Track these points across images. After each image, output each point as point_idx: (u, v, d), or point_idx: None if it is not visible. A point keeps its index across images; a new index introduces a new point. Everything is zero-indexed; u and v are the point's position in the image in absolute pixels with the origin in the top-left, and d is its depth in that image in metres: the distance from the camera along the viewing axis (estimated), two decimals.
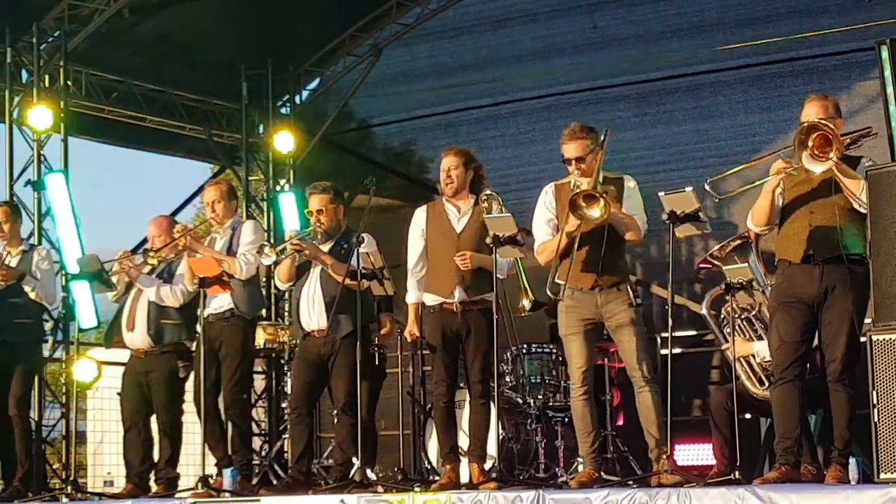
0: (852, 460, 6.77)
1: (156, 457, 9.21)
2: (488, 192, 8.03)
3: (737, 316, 7.90)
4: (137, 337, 9.09)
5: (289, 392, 9.43)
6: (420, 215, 8.16)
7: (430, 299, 7.98)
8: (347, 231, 8.50)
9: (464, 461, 8.12)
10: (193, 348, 9.21)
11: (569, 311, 7.57)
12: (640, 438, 7.72)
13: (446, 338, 7.94)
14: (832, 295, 6.75)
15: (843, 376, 6.74)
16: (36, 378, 10.33)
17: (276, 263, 8.55)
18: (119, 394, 9.43)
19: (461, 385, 8.38)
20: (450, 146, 8.30)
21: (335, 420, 8.59)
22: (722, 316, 8.10)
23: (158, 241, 9.17)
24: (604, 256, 7.43)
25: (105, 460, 12.28)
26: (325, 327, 8.25)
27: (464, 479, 8.00)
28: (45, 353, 11.24)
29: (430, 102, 13.22)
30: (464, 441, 8.22)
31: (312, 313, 8.40)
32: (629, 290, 7.50)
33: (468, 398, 8.13)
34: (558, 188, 7.71)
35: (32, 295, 9.44)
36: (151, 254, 8.90)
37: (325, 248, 8.44)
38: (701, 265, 8.35)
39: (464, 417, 8.43)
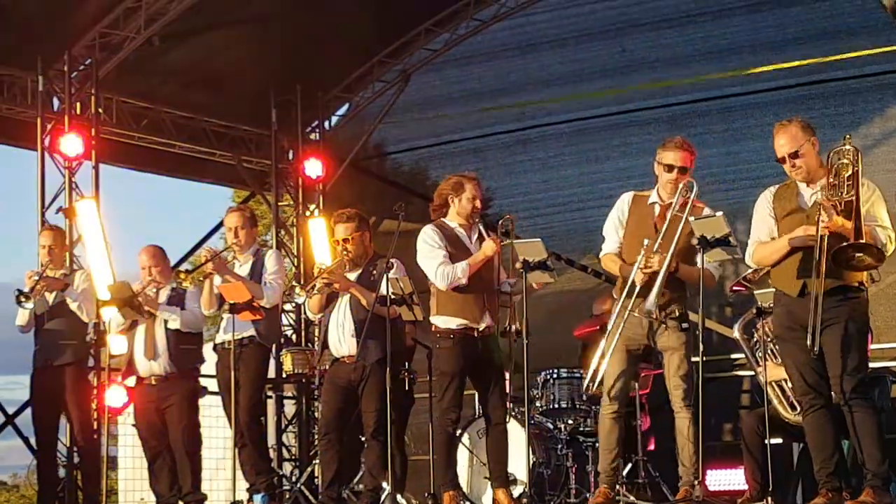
0: (894, 486, 6.66)
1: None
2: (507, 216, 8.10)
3: (769, 340, 7.85)
4: (159, 364, 9.13)
5: (319, 418, 9.44)
6: (436, 234, 8.09)
7: (455, 323, 7.94)
8: (375, 257, 8.50)
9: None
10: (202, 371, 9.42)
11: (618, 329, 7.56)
12: (671, 463, 7.67)
13: (467, 365, 7.91)
14: (829, 324, 6.61)
15: (853, 396, 6.60)
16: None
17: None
18: (134, 425, 9.47)
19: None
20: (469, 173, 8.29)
21: (365, 446, 8.58)
22: (754, 340, 8.06)
23: (155, 271, 9.23)
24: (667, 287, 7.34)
25: (137, 486, 12.29)
26: (355, 353, 8.25)
27: None
28: None
29: (459, 127, 13.23)
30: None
31: (342, 339, 8.39)
32: (679, 317, 7.44)
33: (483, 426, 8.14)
34: (636, 199, 7.64)
35: (74, 307, 9.52)
36: (183, 276, 8.95)
37: (353, 275, 8.43)
38: (734, 288, 8.32)
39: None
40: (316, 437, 11.21)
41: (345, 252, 8.45)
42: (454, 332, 7.93)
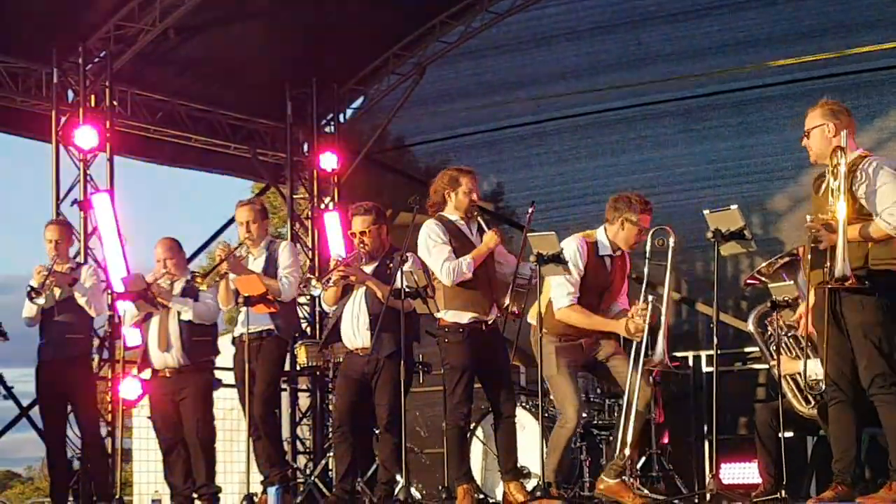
0: None
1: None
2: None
3: (784, 333, 7.83)
4: (172, 356, 9.14)
5: (333, 410, 9.43)
6: (439, 228, 8.04)
7: (467, 317, 7.90)
8: (391, 250, 8.49)
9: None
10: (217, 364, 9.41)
11: (559, 352, 7.70)
12: (685, 457, 7.68)
13: (477, 358, 7.90)
14: (845, 314, 6.59)
15: (872, 390, 6.56)
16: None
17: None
18: (150, 417, 9.48)
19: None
20: (464, 167, 8.27)
21: (378, 438, 8.57)
22: (769, 333, 8.03)
23: (170, 263, 9.24)
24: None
25: (151, 478, 12.34)
26: (369, 346, 8.25)
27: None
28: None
29: (474, 120, 13.21)
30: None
31: (357, 332, 8.39)
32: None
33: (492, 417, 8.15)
34: (588, 247, 7.80)
35: (82, 301, 9.51)
36: (199, 280, 8.95)
37: (369, 268, 8.43)
38: (749, 281, 8.31)
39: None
40: (330, 429, 11.21)
41: (361, 245, 8.45)
42: (464, 326, 7.88)
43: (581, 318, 7.66)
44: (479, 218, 8.08)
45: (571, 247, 7.68)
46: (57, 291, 9.52)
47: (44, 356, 9.59)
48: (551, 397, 9.42)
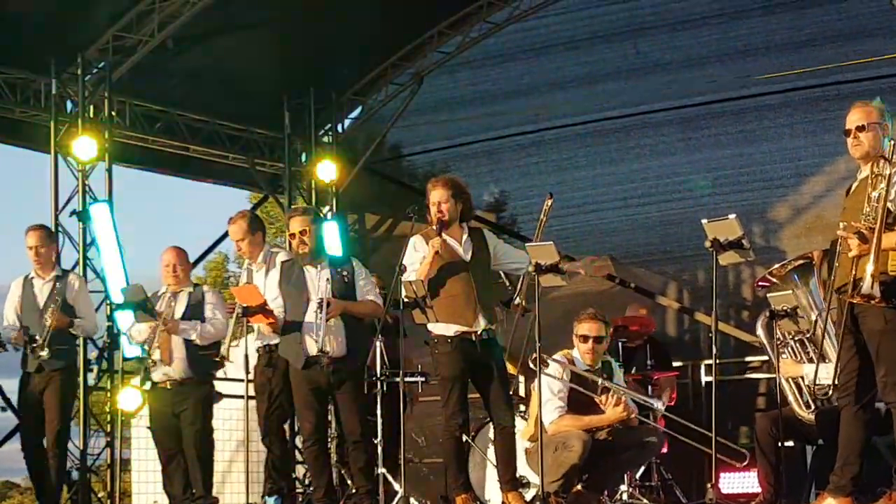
0: None
1: None
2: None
3: (791, 337, 7.79)
4: (176, 370, 9.09)
5: (301, 424, 9.14)
6: (420, 242, 8.01)
7: (453, 330, 7.82)
8: (343, 259, 8.47)
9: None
10: (220, 375, 9.33)
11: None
12: (684, 466, 7.66)
13: (468, 368, 7.84)
14: (866, 321, 6.54)
15: (890, 396, 6.53)
16: (74, 406, 10.33)
17: None
18: (149, 427, 9.42)
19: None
20: (436, 178, 8.22)
21: (351, 451, 8.43)
22: (776, 338, 7.97)
23: (180, 269, 9.20)
24: None
25: (150, 489, 12.30)
26: (335, 356, 8.16)
27: None
28: (91, 382, 11.36)
29: (472, 129, 13.22)
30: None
31: (322, 339, 8.23)
32: None
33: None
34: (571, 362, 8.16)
35: (79, 333, 9.45)
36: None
37: (325, 274, 8.28)
38: (760, 283, 8.25)
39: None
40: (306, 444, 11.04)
41: (301, 244, 8.33)
42: (451, 337, 7.81)
43: (572, 422, 7.91)
44: (466, 226, 8.03)
45: (555, 365, 8.06)
46: (40, 302, 9.33)
47: (28, 367, 9.34)
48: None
